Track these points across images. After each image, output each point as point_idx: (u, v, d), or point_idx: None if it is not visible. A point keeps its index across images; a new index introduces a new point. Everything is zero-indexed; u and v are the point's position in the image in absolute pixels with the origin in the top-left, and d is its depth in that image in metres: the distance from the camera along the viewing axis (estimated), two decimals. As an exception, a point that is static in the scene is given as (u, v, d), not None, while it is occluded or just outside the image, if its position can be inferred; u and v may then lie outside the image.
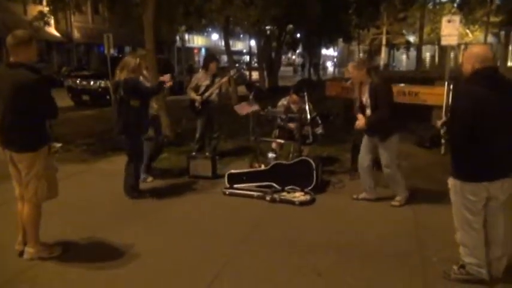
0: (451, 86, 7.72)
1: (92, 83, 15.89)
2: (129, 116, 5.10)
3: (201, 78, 7.07)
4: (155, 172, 6.36)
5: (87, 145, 8.54)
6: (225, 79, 7.07)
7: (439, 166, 6.43)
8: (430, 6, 30.68)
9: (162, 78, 5.36)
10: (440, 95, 8.05)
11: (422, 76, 14.11)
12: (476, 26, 25.85)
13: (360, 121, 4.86)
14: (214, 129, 7.24)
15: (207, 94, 6.96)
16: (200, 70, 7.35)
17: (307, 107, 6.10)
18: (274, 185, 5.66)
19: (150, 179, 6.07)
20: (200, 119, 7.12)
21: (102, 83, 15.62)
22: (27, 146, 3.58)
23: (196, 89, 7.05)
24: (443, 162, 5.74)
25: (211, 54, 8.33)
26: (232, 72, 7.53)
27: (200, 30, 18.52)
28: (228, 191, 5.62)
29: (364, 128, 4.88)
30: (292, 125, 6.48)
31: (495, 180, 3.14)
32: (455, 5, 20.95)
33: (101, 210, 5.09)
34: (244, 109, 6.36)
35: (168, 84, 5.32)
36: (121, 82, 5.09)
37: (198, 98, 6.96)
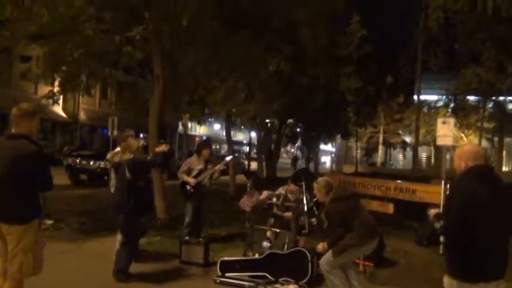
0: (448, 186, 7.78)
1: (91, 162, 16.03)
2: (138, 196, 5.13)
3: (193, 162, 7.12)
4: (144, 255, 6.19)
5: (79, 223, 8.38)
6: (218, 166, 7.12)
7: (437, 266, 6.24)
8: (425, 109, 31.99)
9: (158, 149, 5.47)
10: (437, 193, 8.07)
11: (419, 175, 14.25)
12: (471, 131, 26.75)
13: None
14: (202, 215, 7.15)
15: (200, 178, 6.96)
16: (194, 155, 7.43)
17: (304, 197, 6.09)
18: (268, 275, 5.48)
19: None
20: (190, 202, 7.04)
21: (102, 164, 15.74)
22: (18, 217, 3.52)
23: (188, 172, 7.06)
24: (441, 261, 5.60)
25: (205, 140, 8.54)
26: (228, 158, 7.60)
27: (203, 119, 19.07)
28: (219, 280, 5.44)
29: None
30: (288, 215, 6.42)
31: (491, 281, 3.04)
32: (449, 110, 21.85)
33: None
34: (247, 203, 6.29)
35: (162, 148, 5.41)
36: (125, 163, 5.16)
37: (191, 179, 6.92)
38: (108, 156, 6.21)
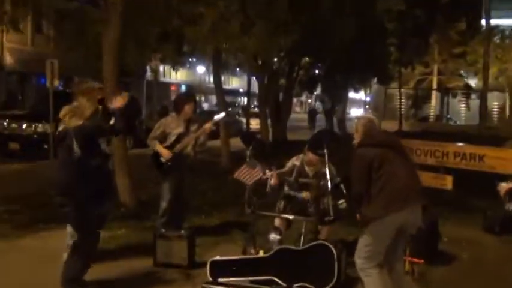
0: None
1: (24, 125, 16.04)
2: (84, 181, 5.14)
3: (170, 123, 7.10)
4: (103, 255, 6.22)
5: (10, 213, 8.47)
6: (207, 125, 7.10)
7: (514, 262, 6.39)
8: (496, 39, 31.66)
9: (112, 106, 5.43)
10: (515, 160, 8.11)
11: (488, 134, 14.27)
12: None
13: None
14: (182, 197, 7.21)
15: (179, 146, 6.97)
16: (170, 114, 7.40)
17: (327, 171, 6.10)
18: (277, 280, 5.55)
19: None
20: (167, 181, 7.08)
21: (40, 127, 15.75)
22: None
23: (162, 138, 7.07)
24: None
25: (187, 93, 8.47)
26: (218, 116, 7.57)
27: (179, 63, 18.91)
28: (209, 287, 5.50)
29: None
30: (305, 195, 6.45)
31: None
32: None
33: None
34: (250, 175, 6.30)
35: (118, 103, 5.39)
36: (72, 132, 5.14)
37: (166, 152, 6.94)
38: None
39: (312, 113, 38.93)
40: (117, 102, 5.48)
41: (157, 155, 7.02)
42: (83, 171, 5.16)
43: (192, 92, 9.96)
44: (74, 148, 5.12)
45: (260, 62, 17.84)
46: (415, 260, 6.10)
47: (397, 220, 4.70)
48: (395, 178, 4.71)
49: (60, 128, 5.33)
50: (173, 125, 7.07)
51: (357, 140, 5.08)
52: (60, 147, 5.28)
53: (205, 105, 48.98)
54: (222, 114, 7.69)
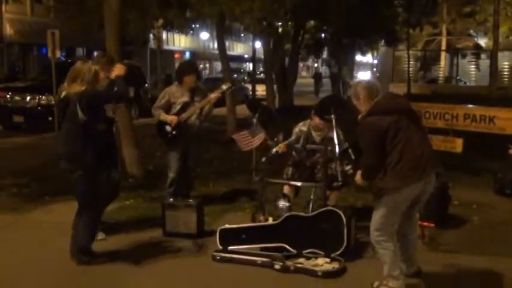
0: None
1: (28, 98, 16.05)
2: (91, 146, 5.17)
3: (175, 93, 7.07)
4: (112, 226, 6.34)
5: (18, 187, 8.55)
6: (212, 95, 7.08)
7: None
8: (508, -4, 31.13)
9: (113, 74, 5.45)
10: (526, 121, 8.07)
11: (499, 94, 14.18)
12: None
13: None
14: (189, 166, 7.25)
15: (184, 115, 6.97)
16: (174, 83, 7.38)
17: (335, 136, 6.10)
18: (287, 247, 5.60)
19: (100, 235, 6.01)
20: (173, 150, 7.10)
21: (43, 99, 15.76)
22: None
23: (167, 107, 7.05)
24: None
25: (188, 62, 8.41)
26: (224, 86, 7.56)
27: (184, 27, 18.75)
28: (220, 256, 5.56)
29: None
30: (313, 161, 6.47)
31: None
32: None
33: (34, 282, 5.02)
34: (247, 142, 6.35)
35: (118, 71, 5.41)
36: (75, 98, 5.15)
37: (171, 117, 6.92)
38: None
39: (317, 78, 38.59)
40: (116, 70, 5.48)
41: (162, 124, 7.01)
42: (88, 136, 5.19)
43: (193, 62, 9.85)
44: (78, 114, 5.15)
45: (265, 25, 17.67)
46: (426, 223, 6.14)
47: (415, 191, 4.61)
48: (411, 147, 4.55)
49: (62, 95, 5.34)
50: (178, 94, 7.05)
51: (361, 107, 4.83)
52: (64, 114, 5.30)
53: (208, 72, 48.77)
54: (228, 85, 7.64)
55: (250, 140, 6.40)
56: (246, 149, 6.42)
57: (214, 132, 14.39)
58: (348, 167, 6.25)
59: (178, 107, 7.00)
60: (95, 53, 7.21)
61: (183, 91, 7.03)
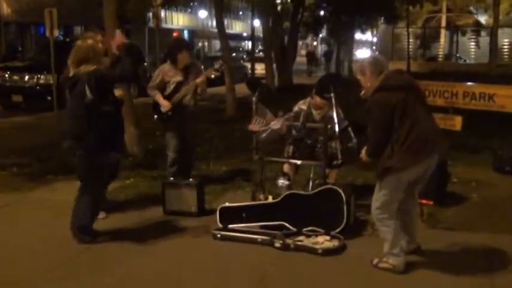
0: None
1: (26, 78, 16.01)
2: (96, 126, 5.20)
3: (168, 72, 7.01)
4: (113, 205, 6.37)
5: (19, 166, 8.57)
6: (203, 77, 7.02)
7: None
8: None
9: (116, 42, 5.46)
10: (526, 98, 8.06)
11: (499, 72, 14.15)
12: None
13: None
14: (189, 146, 7.26)
15: (178, 95, 6.93)
16: (167, 61, 7.27)
17: (335, 114, 6.10)
18: (287, 225, 5.63)
19: (101, 214, 6.04)
20: (170, 130, 7.10)
21: (42, 78, 15.72)
22: None
23: (161, 86, 7.01)
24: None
25: (178, 40, 8.32)
26: (217, 64, 7.50)
27: (182, 5, 18.68)
28: (220, 234, 5.59)
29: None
30: (313, 140, 6.48)
31: None
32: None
33: (35, 260, 5.06)
34: (265, 124, 6.25)
35: (118, 40, 5.41)
36: (84, 77, 5.15)
37: (165, 102, 6.89)
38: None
39: (310, 57, 37.88)
40: (116, 40, 5.47)
41: (157, 105, 6.99)
42: (94, 116, 5.20)
43: (182, 38, 9.68)
44: (86, 94, 5.15)
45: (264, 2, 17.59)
46: (424, 201, 6.15)
47: (421, 168, 4.62)
48: (419, 124, 4.54)
49: (71, 74, 5.33)
50: (171, 73, 6.98)
51: (367, 83, 4.81)
52: (72, 94, 5.30)
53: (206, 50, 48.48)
54: (220, 63, 7.60)
55: (265, 123, 6.32)
56: (275, 127, 6.28)
57: (213, 111, 14.39)
58: (349, 145, 6.24)
59: (172, 87, 6.94)
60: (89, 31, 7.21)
61: (176, 70, 6.97)
